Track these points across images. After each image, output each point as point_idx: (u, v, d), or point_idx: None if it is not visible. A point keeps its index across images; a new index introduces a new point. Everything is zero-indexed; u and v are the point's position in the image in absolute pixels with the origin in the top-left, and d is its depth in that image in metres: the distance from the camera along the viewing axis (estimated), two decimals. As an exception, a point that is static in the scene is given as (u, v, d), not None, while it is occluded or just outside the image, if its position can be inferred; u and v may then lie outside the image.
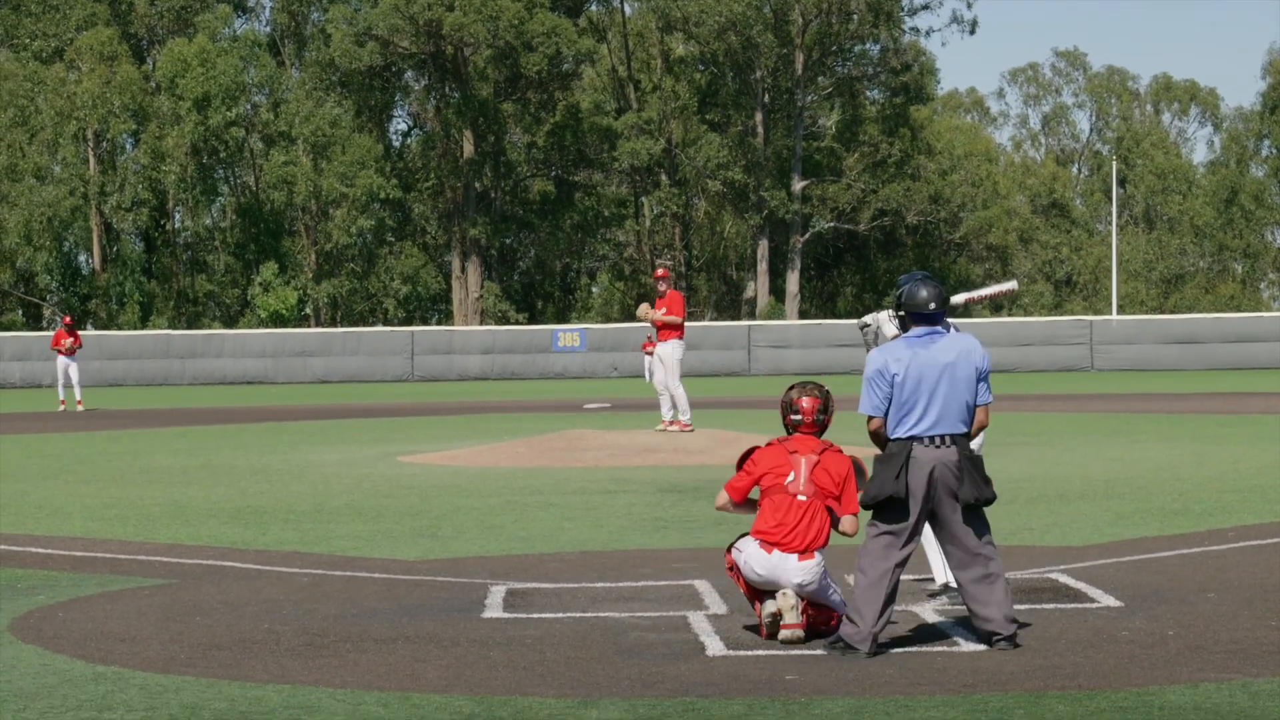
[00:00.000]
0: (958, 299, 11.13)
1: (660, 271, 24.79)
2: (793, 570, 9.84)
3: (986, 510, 9.81)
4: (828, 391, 10.30)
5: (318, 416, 38.95)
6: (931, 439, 9.55)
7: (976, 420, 9.75)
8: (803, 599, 9.86)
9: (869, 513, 9.75)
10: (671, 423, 24.39)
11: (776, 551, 9.87)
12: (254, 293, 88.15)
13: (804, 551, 9.87)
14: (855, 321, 10.74)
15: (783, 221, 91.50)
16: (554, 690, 8.58)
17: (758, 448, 10.25)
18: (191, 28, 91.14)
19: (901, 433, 9.58)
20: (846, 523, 9.95)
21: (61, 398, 43.42)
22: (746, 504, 10.26)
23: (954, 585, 10.75)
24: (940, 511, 9.65)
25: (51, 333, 64.21)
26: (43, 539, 15.27)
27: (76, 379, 42.75)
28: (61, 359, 42.77)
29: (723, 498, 10.29)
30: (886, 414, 9.64)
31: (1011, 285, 11.62)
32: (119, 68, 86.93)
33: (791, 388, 10.31)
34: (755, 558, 9.92)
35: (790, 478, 9.98)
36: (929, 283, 9.75)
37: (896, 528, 9.56)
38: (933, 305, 9.71)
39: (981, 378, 9.74)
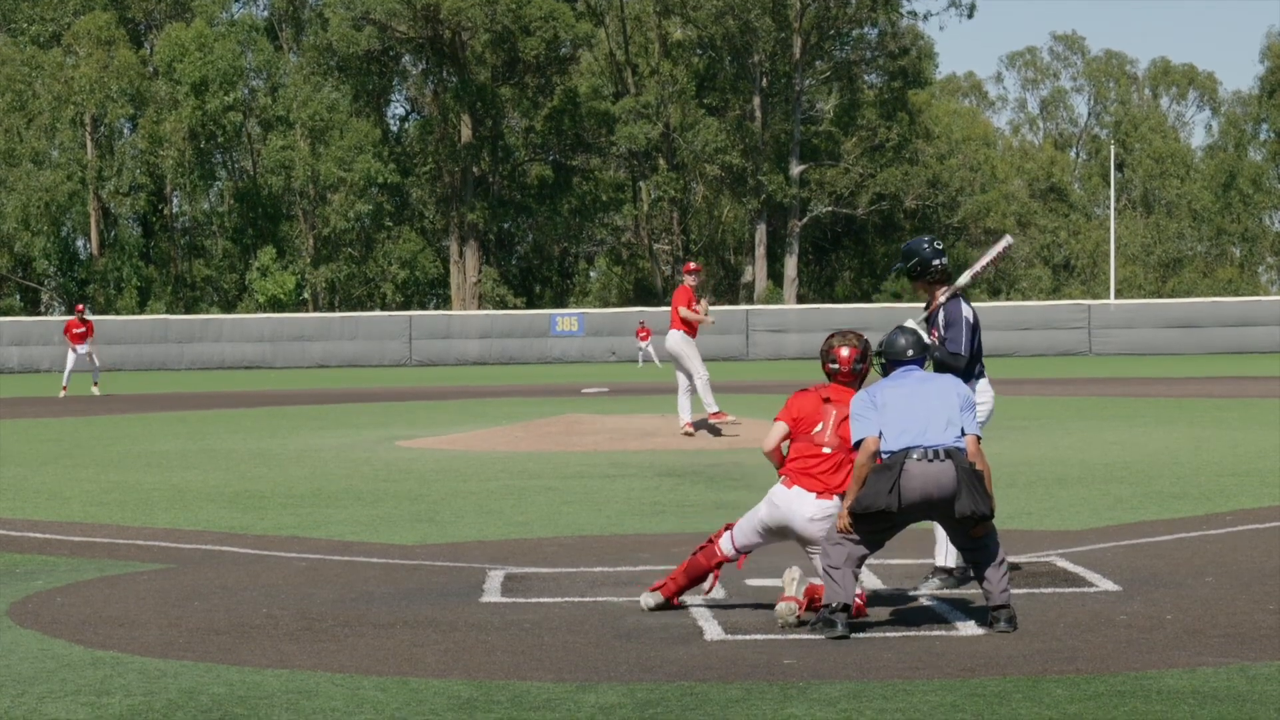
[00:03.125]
0: (962, 280, 11.19)
1: (693, 265, 24.22)
2: (809, 505, 9.92)
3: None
4: (867, 341, 10.38)
5: (316, 401, 38.94)
6: (925, 452, 9.56)
7: (971, 452, 9.70)
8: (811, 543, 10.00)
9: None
10: (720, 415, 23.58)
11: (797, 487, 9.97)
12: (252, 277, 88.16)
13: (822, 492, 9.94)
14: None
15: (780, 206, 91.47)
16: (552, 674, 8.59)
17: (799, 391, 10.32)
18: (189, 12, 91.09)
19: (896, 446, 9.61)
20: None
21: (64, 383, 43.50)
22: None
23: (945, 568, 10.85)
24: (943, 523, 9.80)
25: (56, 320, 64.41)
26: (41, 524, 15.27)
27: (98, 364, 43.52)
28: (75, 347, 42.91)
29: (769, 441, 10.26)
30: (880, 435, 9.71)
31: (1006, 242, 11.66)
32: (116, 52, 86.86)
33: (832, 335, 10.41)
34: (777, 492, 10.02)
35: (819, 428, 10.05)
36: (906, 331, 10.08)
37: (869, 537, 9.61)
38: (910, 353, 9.99)
39: (965, 406, 9.80)
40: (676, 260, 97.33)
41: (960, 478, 9.52)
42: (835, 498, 9.92)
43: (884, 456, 9.62)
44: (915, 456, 9.53)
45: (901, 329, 10.09)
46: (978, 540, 9.65)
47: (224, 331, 70.03)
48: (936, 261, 11.08)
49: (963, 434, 9.69)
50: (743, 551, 10.22)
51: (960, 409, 9.77)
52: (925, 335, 10.40)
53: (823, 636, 9.41)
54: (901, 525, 9.68)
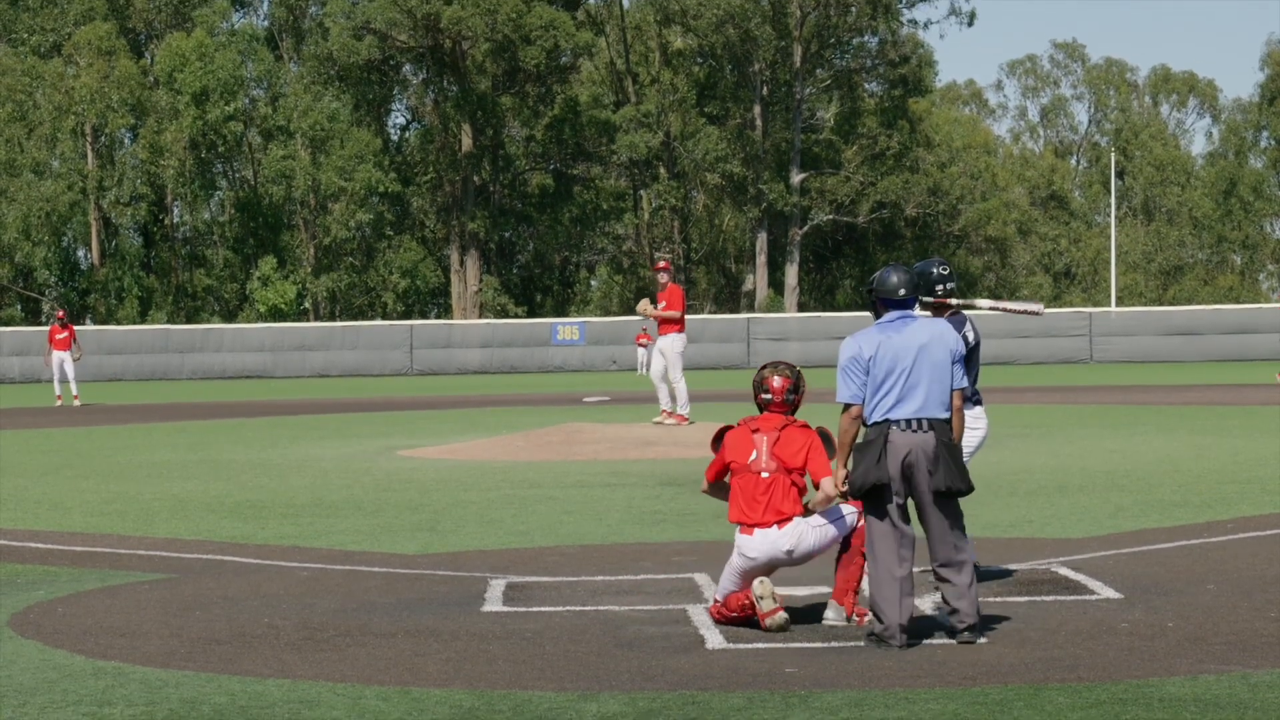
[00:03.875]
0: (982, 304, 11.20)
1: (661, 264, 24.80)
2: (778, 539, 9.99)
3: (967, 504, 9.84)
4: (799, 371, 10.44)
5: (317, 411, 38.95)
6: (909, 423, 9.54)
7: (954, 404, 9.67)
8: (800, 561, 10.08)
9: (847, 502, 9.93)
10: (670, 414, 24.45)
11: (757, 530, 10.02)
12: (253, 287, 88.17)
13: (782, 521, 9.99)
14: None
15: (781, 214, 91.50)
16: (553, 684, 8.59)
17: (728, 428, 10.38)
18: (189, 22, 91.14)
19: (878, 416, 9.58)
20: (825, 485, 10.01)
21: (58, 393, 43.42)
22: (720, 486, 10.42)
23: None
24: (915, 496, 9.66)
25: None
26: (42, 534, 15.27)
27: (72, 374, 42.47)
28: (56, 354, 42.50)
29: (705, 482, 10.55)
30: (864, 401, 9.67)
31: (1039, 308, 11.67)
32: (117, 62, 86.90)
33: (764, 366, 10.47)
34: (743, 543, 10.06)
35: (752, 456, 10.14)
36: (899, 269, 9.91)
37: (889, 510, 9.59)
38: (903, 291, 9.79)
39: (956, 360, 9.73)
40: (678, 269, 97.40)
41: (940, 450, 9.52)
42: (795, 518, 10.00)
43: (867, 424, 9.61)
44: (900, 428, 9.54)
45: (893, 267, 9.92)
46: (955, 560, 9.60)
47: (225, 341, 70.04)
48: (940, 286, 11.07)
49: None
50: (733, 592, 10.20)
51: (950, 366, 9.66)
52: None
53: (879, 647, 9.40)
54: (902, 495, 9.59)
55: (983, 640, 9.49)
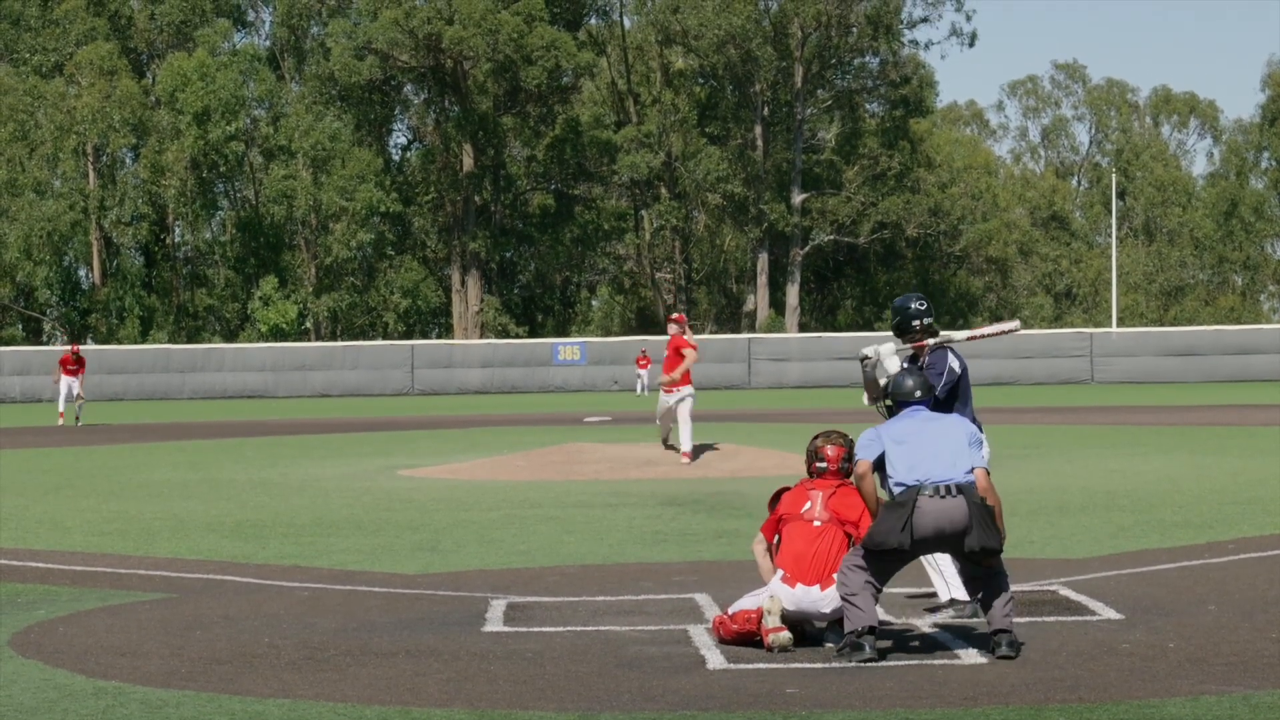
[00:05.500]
0: (958, 336, 11.29)
1: (677, 316, 24.35)
2: (819, 601, 10.03)
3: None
4: (852, 441, 10.51)
5: (318, 430, 38.94)
6: (936, 488, 9.64)
7: (981, 486, 9.80)
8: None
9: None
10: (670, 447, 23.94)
11: (800, 585, 10.05)
12: (254, 307, 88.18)
13: (826, 580, 10.02)
14: (857, 354, 11.01)
15: (782, 234, 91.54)
16: (554, 704, 8.58)
17: (786, 489, 10.51)
18: (191, 42, 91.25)
19: (908, 481, 9.71)
20: None
21: (61, 410, 43.69)
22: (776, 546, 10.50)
23: (961, 599, 10.85)
24: (950, 552, 9.85)
25: (58, 350, 64.57)
26: (43, 553, 15.26)
27: (81, 398, 43.55)
28: (66, 378, 43.63)
29: (759, 543, 10.56)
30: (879, 464, 9.89)
31: (1014, 325, 11.88)
32: (119, 82, 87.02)
33: (817, 436, 10.58)
34: (782, 592, 10.06)
35: (806, 506, 10.23)
36: (913, 374, 10.28)
37: (878, 571, 9.71)
38: (918, 394, 10.17)
39: (973, 442, 9.93)
40: (678, 289, 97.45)
41: (971, 513, 9.60)
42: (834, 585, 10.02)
43: (896, 491, 9.72)
44: (927, 493, 9.62)
45: (908, 371, 10.31)
46: (989, 570, 9.71)
47: (226, 361, 70.04)
48: (917, 321, 11.14)
49: (972, 471, 9.79)
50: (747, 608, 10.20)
51: (968, 444, 9.87)
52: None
53: (852, 663, 9.44)
54: (911, 558, 9.77)
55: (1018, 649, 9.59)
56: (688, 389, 23.41)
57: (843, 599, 9.67)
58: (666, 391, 23.35)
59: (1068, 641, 10.07)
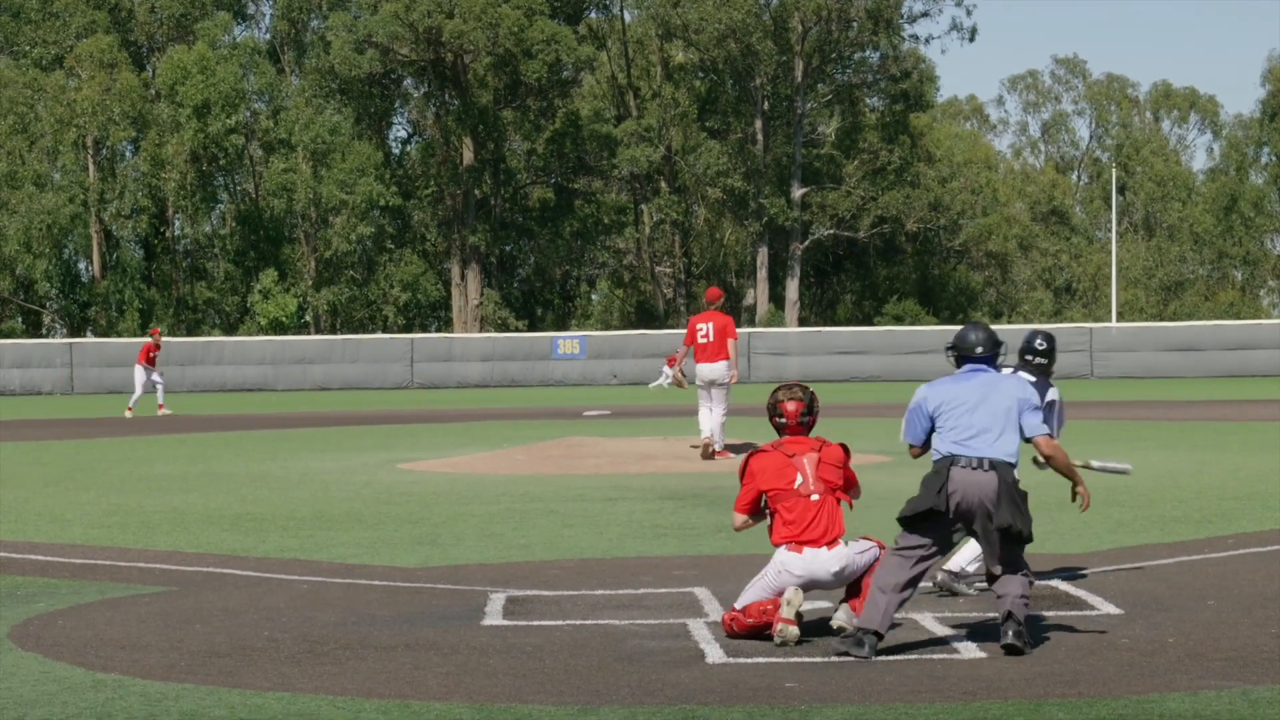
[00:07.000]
0: (1078, 461, 11.45)
1: (713, 291, 24.65)
2: (827, 560, 10.06)
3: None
4: (813, 393, 10.57)
5: (318, 424, 38.94)
6: (969, 461, 9.68)
7: (1044, 450, 10.05)
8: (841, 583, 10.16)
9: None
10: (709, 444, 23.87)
11: (807, 549, 10.07)
12: (254, 300, 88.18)
13: (831, 542, 10.06)
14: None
15: (782, 229, 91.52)
16: (554, 698, 8.59)
17: (754, 454, 10.33)
18: (191, 35, 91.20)
19: (944, 448, 9.80)
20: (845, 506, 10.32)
21: (130, 405, 44.50)
22: (757, 514, 10.39)
23: (966, 573, 11.17)
24: (975, 529, 9.81)
25: (59, 344, 64.71)
26: (43, 546, 15.27)
27: (161, 384, 44.89)
28: (139, 368, 44.73)
29: (737, 518, 10.53)
30: (926, 443, 9.97)
31: (1126, 467, 12.57)
32: (119, 75, 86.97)
33: (777, 389, 10.55)
34: (790, 560, 10.09)
35: (799, 481, 10.17)
36: (979, 328, 10.26)
37: (923, 542, 9.72)
38: (980, 349, 10.13)
39: (1025, 409, 9.90)
40: (678, 283, 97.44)
41: (1002, 490, 9.64)
42: (841, 540, 10.08)
43: (934, 457, 9.83)
44: (961, 464, 9.69)
45: (974, 325, 10.26)
46: (1010, 561, 9.70)
47: (225, 354, 69.99)
48: (1030, 356, 12.55)
49: (1025, 440, 9.90)
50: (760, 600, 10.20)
51: (1021, 413, 9.86)
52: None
53: (850, 654, 9.46)
54: (948, 531, 9.75)
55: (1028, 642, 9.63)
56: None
57: (873, 587, 9.69)
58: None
59: (1067, 636, 10.08)
